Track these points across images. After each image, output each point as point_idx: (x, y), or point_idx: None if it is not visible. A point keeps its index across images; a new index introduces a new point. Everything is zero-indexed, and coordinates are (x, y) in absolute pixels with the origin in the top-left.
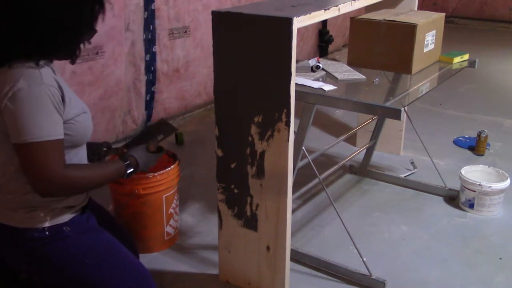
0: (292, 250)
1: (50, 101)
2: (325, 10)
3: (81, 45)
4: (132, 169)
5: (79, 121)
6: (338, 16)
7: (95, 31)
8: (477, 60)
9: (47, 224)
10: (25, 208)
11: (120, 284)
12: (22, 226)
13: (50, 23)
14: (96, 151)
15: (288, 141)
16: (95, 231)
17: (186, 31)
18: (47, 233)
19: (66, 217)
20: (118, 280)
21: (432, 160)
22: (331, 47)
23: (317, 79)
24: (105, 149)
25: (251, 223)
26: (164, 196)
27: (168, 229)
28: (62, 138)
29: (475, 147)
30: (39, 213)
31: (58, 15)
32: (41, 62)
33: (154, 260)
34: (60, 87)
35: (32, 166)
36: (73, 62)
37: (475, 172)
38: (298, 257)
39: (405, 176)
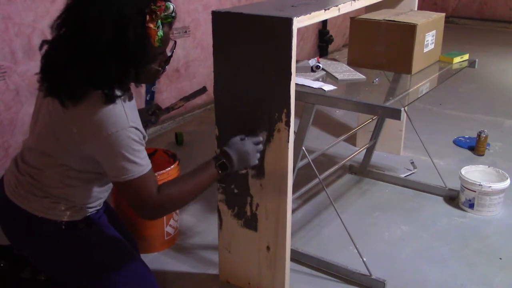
0: (292, 250)
1: (136, 141)
2: (325, 10)
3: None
4: (228, 170)
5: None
6: (338, 16)
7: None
8: (477, 60)
9: (65, 219)
10: (51, 198)
11: (124, 284)
12: (41, 215)
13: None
14: (146, 117)
15: (288, 141)
16: (106, 230)
17: (186, 31)
18: (63, 227)
19: (83, 215)
20: (124, 280)
21: (432, 160)
22: (331, 47)
23: (317, 79)
24: (155, 110)
25: (251, 223)
26: None
27: (168, 229)
28: (151, 167)
29: (475, 147)
30: (61, 206)
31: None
32: (118, 93)
33: (154, 260)
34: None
35: (133, 199)
36: (163, 70)
37: (475, 172)
38: (298, 257)
39: (405, 176)
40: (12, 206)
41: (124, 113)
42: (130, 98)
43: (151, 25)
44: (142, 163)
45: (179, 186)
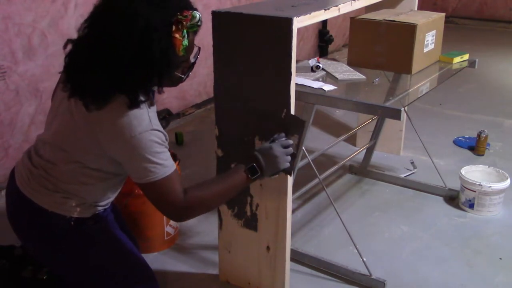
0: (292, 250)
1: (158, 143)
2: (325, 10)
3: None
4: (258, 174)
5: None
6: (338, 16)
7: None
8: (477, 60)
9: (74, 215)
10: (62, 193)
11: (127, 283)
12: (51, 210)
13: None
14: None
15: None
16: (113, 229)
17: None
18: (72, 223)
19: (92, 212)
20: (126, 279)
21: (432, 160)
22: (331, 47)
23: (317, 79)
24: (165, 116)
25: (251, 223)
26: None
27: (168, 229)
28: (175, 168)
29: (475, 147)
30: (72, 202)
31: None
32: (142, 98)
33: (154, 260)
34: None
35: (158, 200)
36: (185, 77)
37: (475, 172)
38: (298, 257)
39: (405, 176)
40: (23, 199)
41: (148, 116)
42: (152, 104)
43: (177, 35)
44: (166, 164)
45: (207, 189)
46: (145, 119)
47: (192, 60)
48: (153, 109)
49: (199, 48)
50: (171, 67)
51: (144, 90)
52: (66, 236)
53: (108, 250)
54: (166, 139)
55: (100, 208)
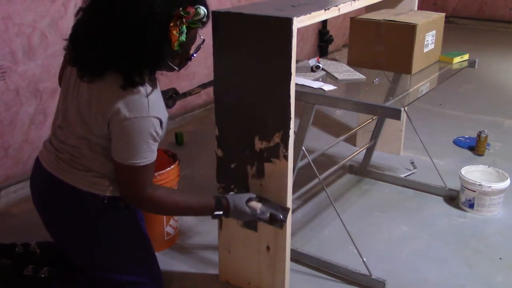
0: (292, 250)
1: (150, 133)
2: (325, 10)
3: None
4: (221, 212)
5: (162, 136)
6: (338, 16)
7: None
8: (477, 60)
9: (108, 194)
10: (94, 172)
11: (139, 276)
12: (85, 189)
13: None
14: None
15: (288, 141)
16: (140, 219)
17: None
18: (105, 201)
19: None
20: (139, 273)
21: (432, 160)
22: (331, 47)
23: (317, 79)
24: (173, 95)
25: (251, 223)
26: None
27: (168, 229)
28: (155, 160)
29: (475, 147)
30: (105, 181)
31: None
32: (137, 79)
33: None
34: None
35: (127, 183)
36: (179, 69)
37: (475, 172)
38: (298, 257)
39: (405, 176)
40: (55, 181)
41: (146, 101)
42: (155, 86)
43: (174, 31)
44: (150, 154)
45: (174, 196)
46: (143, 104)
47: (192, 52)
48: (156, 93)
49: (203, 40)
50: (163, 58)
51: (138, 73)
52: (99, 215)
53: (132, 236)
54: (163, 126)
55: None
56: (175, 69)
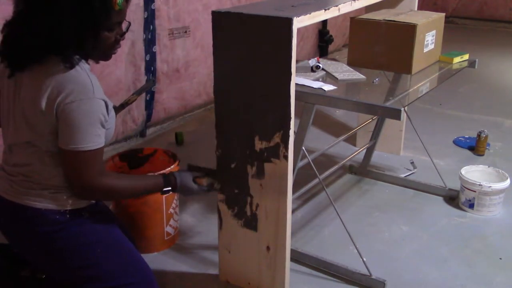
0: (292, 250)
1: (97, 116)
2: (325, 10)
3: (111, 40)
4: (169, 188)
5: (110, 126)
6: (338, 16)
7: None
8: (477, 60)
9: (68, 207)
10: (50, 188)
11: (124, 279)
12: (44, 208)
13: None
14: None
15: (288, 141)
16: (108, 221)
17: (186, 31)
18: (68, 216)
19: (85, 202)
20: (124, 275)
21: (432, 160)
22: (331, 47)
23: (317, 79)
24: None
25: (251, 223)
26: (164, 196)
27: (168, 229)
28: (103, 147)
29: (475, 147)
30: (63, 195)
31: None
32: (77, 57)
33: (154, 260)
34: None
35: (74, 172)
36: (106, 59)
37: (475, 172)
38: (298, 257)
39: (405, 176)
40: (12, 206)
41: (90, 83)
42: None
43: None
44: (96, 138)
45: (123, 181)
46: (87, 85)
47: (124, 29)
48: (95, 78)
49: (129, 23)
50: (109, 19)
51: (78, 49)
52: (62, 231)
53: (106, 241)
54: (109, 110)
55: None
56: (115, 43)
